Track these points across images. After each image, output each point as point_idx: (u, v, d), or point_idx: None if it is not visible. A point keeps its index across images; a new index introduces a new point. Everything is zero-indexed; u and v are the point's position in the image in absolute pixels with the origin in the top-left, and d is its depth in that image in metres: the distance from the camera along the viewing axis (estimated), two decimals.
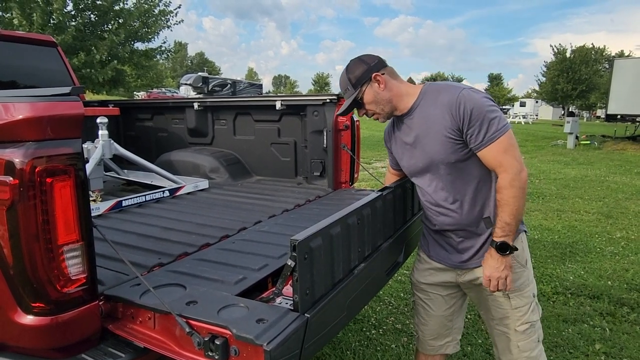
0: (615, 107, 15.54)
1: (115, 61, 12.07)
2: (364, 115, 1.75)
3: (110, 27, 12.47)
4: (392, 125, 1.82)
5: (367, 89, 1.64)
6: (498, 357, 1.81)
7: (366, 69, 1.63)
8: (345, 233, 1.38)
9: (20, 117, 1.06)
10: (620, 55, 42.09)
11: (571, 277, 3.85)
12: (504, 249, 1.54)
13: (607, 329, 2.99)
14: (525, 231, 1.73)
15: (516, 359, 1.72)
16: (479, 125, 1.51)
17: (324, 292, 1.25)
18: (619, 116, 15.69)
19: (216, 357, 1.06)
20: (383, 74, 1.64)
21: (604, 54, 40.70)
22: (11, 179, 1.06)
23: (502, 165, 1.53)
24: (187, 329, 1.10)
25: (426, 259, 1.85)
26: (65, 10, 11.73)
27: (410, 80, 1.90)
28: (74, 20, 12.00)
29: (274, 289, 1.27)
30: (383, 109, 1.67)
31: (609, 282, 3.76)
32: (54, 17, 11.16)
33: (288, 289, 1.23)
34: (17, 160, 1.05)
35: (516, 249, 1.59)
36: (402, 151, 1.77)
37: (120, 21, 12.58)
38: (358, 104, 1.68)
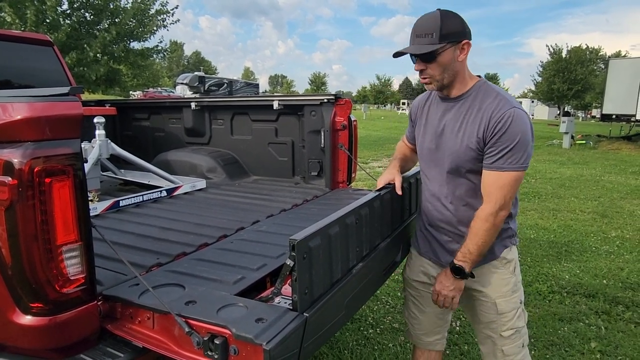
0: (610, 107, 15.63)
1: (107, 57, 12.02)
2: (419, 74, 1.56)
3: (105, 25, 12.40)
4: (426, 99, 1.73)
5: (449, 50, 1.47)
6: (483, 359, 1.82)
7: (462, 30, 1.48)
8: (344, 233, 1.39)
9: (19, 117, 1.06)
10: (617, 55, 42.33)
11: (567, 276, 3.87)
12: (459, 272, 1.56)
13: (602, 328, 3.01)
14: (515, 244, 1.72)
15: None
16: (502, 149, 1.46)
17: (323, 292, 1.26)
18: (614, 116, 15.77)
19: (215, 357, 1.07)
20: (470, 45, 1.51)
21: (599, 54, 40.89)
22: (10, 179, 1.06)
23: (490, 196, 1.51)
24: (187, 329, 1.10)
25: (417, 255, 1.86)
26: (61, 9, 11.67)
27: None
28: (68, 18, 11.93)
29: (272, 288, 1.28)
30: (444, 78, 1.53)
31: (604, 281, 3.79)
32: (48, 15, 11.09)
33: (287, 289, 1.23)
34: (15, 160, 1.05)
35: (472, 276, 1.59)
36: (425, 131, 1.70)
37: (116, 20, 12.52)
38: (425, 56, 1.48)
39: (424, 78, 1.55)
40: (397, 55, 1.54)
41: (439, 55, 1.47)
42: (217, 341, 1.06)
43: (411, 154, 1.95)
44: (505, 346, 1.70)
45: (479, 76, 1.62)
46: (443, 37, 1.45)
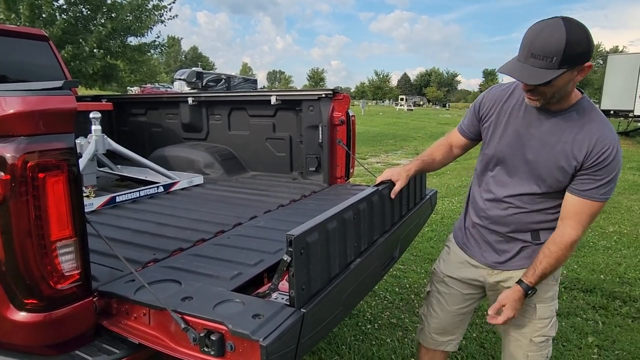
0: (608, 102, 15.64)
1: (103, 51, 11.94)
2: (528, 93, 1.39)
3: (102, 20, 12.32)
4: (507, 97, 1.58)
5: (568, 73, 1.30)
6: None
7: (587, 51, 1.28)
8: (342, 228, 1.38)
9: (12, 111, 1.04)
10: (615, 51, 42.28)
11: (564, 271, 3.88)
12: (530, 293, 1.51)
13: (599, 322, 3.02)
14: None
15: None
16: (600, 179, 1.41)
17: (320, 287, 1.25)
18: (612, 112, 15.78)
19: (212, 353, 1.06)
20: (591, 67, 1.35)
21: (598, 49, 40.85)
22: (3, 174, 1.04)
23: (579, 223, 1.46)
24: (183, 325, 1.09)
25: (458, 252, 1.81)
26: (57, 4, 11.58)
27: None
28: (65, 13, 11.85)
29: (270, 284, 1.27)
30: (552, 98, 1.38)
31: (602, 276, 3.80)
32: (43, 10, 11.00)
33: (284, 284, 1.23)
34: (8, 155, 1.04)
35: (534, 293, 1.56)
36: (504, 133, 1.57)
37: (112, 15, 12.43)
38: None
39: (531, 96, 1.40)
40: (502, 71, 1.37)
41: (554, 80, 1.29)
42: (213, 337, 1.06)
43: (443, 156, 1.84)
44: (532, 352, 1.67)
45: (581, 91, 1.49)
46: (564, 61, 1.25)
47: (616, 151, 1.40)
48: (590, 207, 1.45)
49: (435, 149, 1.86)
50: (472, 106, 1.73)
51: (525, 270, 1.56)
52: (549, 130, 1.48)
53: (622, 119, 16.27)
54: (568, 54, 1.24)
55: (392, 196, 1.75)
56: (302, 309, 1.13)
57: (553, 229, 1.54)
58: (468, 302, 1.84)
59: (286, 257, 1.10)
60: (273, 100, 3.02)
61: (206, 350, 1.07)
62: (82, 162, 2.60)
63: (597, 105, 1.52)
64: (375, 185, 1.72)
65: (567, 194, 1.48)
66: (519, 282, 1.52)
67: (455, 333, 1.91)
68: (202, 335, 1.07)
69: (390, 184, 1.76)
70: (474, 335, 2.84)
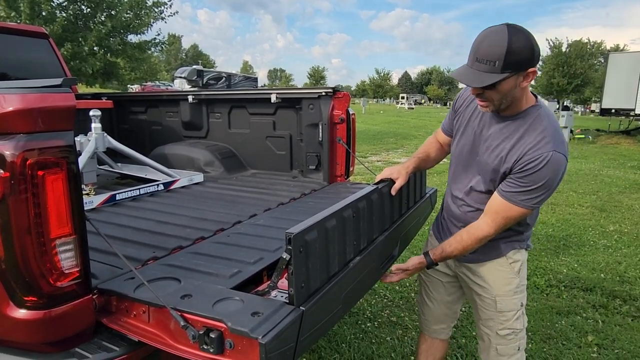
0: (609, 101, 15.61)
1: (103, 50, 11.93)
2: (477, 98, 1.45)
3: (101, 18, 12.30)
4: (474, 98, 1.61)
5: (512, 78, 1.33)
6: (479, 353, 1.85)
7: (530, 57, 1.32)
8: (341, 226, 1.38)
9: (11, 108, 1.04)
10: (616, 49, 42.20)
11: (565, 270, 3.88)
12: (431, 266, 1.69)
13: (599, 321, 3.02)
14: (525, 248, 1.72)
15: None
16: (522, 185, 1.43)
17: (320, 286, 1.25)
18: (613, 110, 15.76)
19: (211, 351, 1.06)
20: (536, 72, 1.38)
21: (600, 47, 40.78)
22: (2, 171, 1.04)
23: (494, 221, 1.52)
24: (182, 323, 1.09)
25: (434, 242, 1.89)
26: (57, 1, 11.57)
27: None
28: (64, 11, 11.83)
29: (269, 282, 1.27)
30: (501, 103, 1.43)
31: (602, 275, 3.80)
32: (43, 8, 10.99)
33: (283, 282, 1.22)
34: (7, 152, 1.04)
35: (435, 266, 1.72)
36: (464, 132, 1.65)
37: (112, 12, 12.41)
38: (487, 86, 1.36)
39: (481, 101, 1.45)
40: (452, 75, 1.46)
41: (498, 85, 1.35)
42: (212, 335, 1.06)
43: (436, 153, 1.91)
44: (500, 345, 1.72)
45: (536, 96, 1.52)
46: (507, 66, 1.30)
47: (546, 163, 1.38)
48: (508, 209, 1.48)
49: (428, 146, 1.92)
50: (452, 104, 1.81)
51: (476, 263, 1.70)
52: (495, 134, 1.53)
53: (623, 117, 16.25)
54: (510, 58, 1.28)
55: (393, 193, 1.77)
56: (301, 307, 1.13)
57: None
58: (452, 290, 1.91)
59: (285, 255, 1.10)
60: (273, 98, 3.02)
61: (205, 347, 1.07)
62: (82, 160, 2.60)
63: (551, 112, 1.52)
64: (375, 184, 1.72)
65: (494, 193, 1.54)
66: (426, 254, 1.68)
67: (445, 321, 1.97)
68: (201, 332, 1.07)
69: (390, 182, 1.78)
70: (474, 333, 2.84)
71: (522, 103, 1.48)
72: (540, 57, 1.47)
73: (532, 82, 1.45)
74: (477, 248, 1.63)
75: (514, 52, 1.28)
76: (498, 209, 1.51)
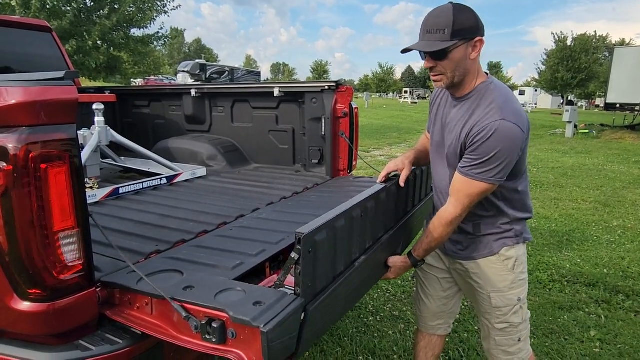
0: (614, 96, 15.48)
1: (106, 45, 11.95)
2: (429, 71, 1.49)
3: (105, 12, 12.29)
4: (442, 91, 1.69)
5: (462, 47, 1.41)
6: (482, 341, 1.87)
7: (475, 26, 1.41)
8: (349, 226, 1.38)
9: (13, 101, 1.04)
10: (621, 43, 41.82)
11: (568, 265, 3.87)
12: (416, 265, 1.71)
13: (602, 316, 3.02)
14: (519, 243, 1.70)
15: (492, 349, 1.78)
16: (473, 158, 1.45)
17: (326, 285, 1.26)
18: (618, 105, 15.65)
19: (213, 340, 1.07)
20: (483, 42, 1.44)
21: (605, 42, 40.38)
22: (5, 164, 1.04)
23: (458, 200, 1.52)
24: (184, 313, 1.10)
25: None
26: None
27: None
28: (69, 5, 11.83)
29: (275, 280, 1.27)
30: (454, 76, 1.46)
31: (605, 270, 3.79)
32: (48, 2, 11.00)
33: (290, 279, 1.23)
34: (10, 145, 1.04)
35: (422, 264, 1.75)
36: (435, 124, 1.70)
37: (115, 6, 12.39)
38: (435, 54, 1.42)
39: (435, 75, 1.49)
40: (405, 51, 1.49)
41: (450, 53, 1.41)
42: (214, 325, 1.06)
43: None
44: (498, 337, 1.74)
45: (487, 73, 1.56)
46: (455, 33, 1.38)
47: (493, 133, 1.39)
48: (468, 186, 1.48)
49: (424, 141, 1.94)
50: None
51: (469, 260, 1.70)
52: (453, 118, 1.57)
53: (628, 112, 16.13)
54: (458, 26, 1.38)
55: (401, 184, 1.78)
56: (306, 306, 1.13)
57: (491, 220, 1.63)
58: (448, 286, 1.90)
59: (294, 255, 1.10)
60: (276, 92, 3.01)
61: (208, 337, 1.07)
62: (85, 154, 2.61)
63: (504, 85, 1.53)
64: (382, 182, 1.72)
65: (455, 173, 1.54)
66: (409, 255, 1.70)
67: (443, 317, 1.96)
68: (203, 322, 1.08)
69: (396, 177, 1.78)
70: (476, 328, 2.84)
71: (473, 79, 1.51)
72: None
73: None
74: (462, 240, 1.67)
75: (460, 21, 1.38)
76: (459, 187, 1.51)
